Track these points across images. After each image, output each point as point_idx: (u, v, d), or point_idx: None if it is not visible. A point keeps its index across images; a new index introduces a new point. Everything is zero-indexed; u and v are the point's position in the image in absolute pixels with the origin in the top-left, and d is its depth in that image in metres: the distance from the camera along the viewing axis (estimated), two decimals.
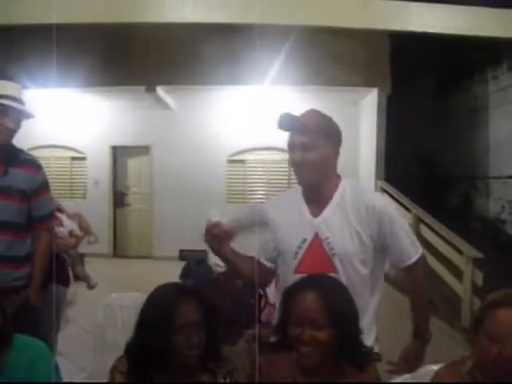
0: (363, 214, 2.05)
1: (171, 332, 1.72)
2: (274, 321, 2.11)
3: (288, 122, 2.02)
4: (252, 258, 2.17)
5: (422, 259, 2.18)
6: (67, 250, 3.41)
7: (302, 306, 1.73)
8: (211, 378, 1.83)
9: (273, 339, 1.94)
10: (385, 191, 7.88)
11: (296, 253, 2.07)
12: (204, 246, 2.07)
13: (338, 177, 2.15)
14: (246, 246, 2.18)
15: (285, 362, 1.83)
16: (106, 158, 10.20)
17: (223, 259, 2.07)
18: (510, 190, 8.65)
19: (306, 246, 2.06)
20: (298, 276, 1.98)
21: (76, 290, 6.53)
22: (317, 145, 2.00)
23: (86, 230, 4.88)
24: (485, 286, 5.45)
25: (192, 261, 4.15)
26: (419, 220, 7.17)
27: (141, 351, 1.77)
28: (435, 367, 1.92)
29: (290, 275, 2.06)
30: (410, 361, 2.04)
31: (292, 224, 2.10)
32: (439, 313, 6.13)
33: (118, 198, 10.40)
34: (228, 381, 1.84)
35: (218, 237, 1.95)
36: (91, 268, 7.92)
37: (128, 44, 7.83)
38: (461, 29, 4.63)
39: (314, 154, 1.99)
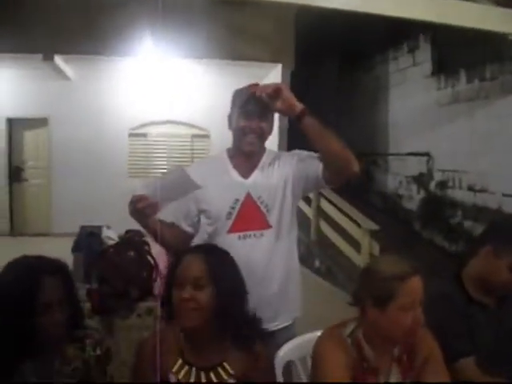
0: (289, 170, 2.19)
1: (34, 312, 1.60)
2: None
3: (252, 99, 2.09)
4: (174, 225, 2.19)
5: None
6: None
7: (185, 266, 1.76)
8: (79, 348, 1.76)
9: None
10: None
11: (229, 213, 2.13)
12: (106, 222, 2.02)
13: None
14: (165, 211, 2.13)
15: (172, 338, 1.82)
16: (1, 131, 9.62)
17: (147, 230, 2.05)
18: (407, 166, 9.03)
19: (239, 205, 2.14)
20: (233, 235, 2.11)
21: None
22: (269, 115, 2.16)
23: None
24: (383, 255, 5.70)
25: (83, 233, 4.01)
26: (319, 194, 7.36)
27: None
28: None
29: (223, 235, 2.13)
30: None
31: (222, 186, 2.17)
32: (339, 282, 6.37)
33: (15, 173, 9.86)
34: (98, 351, 1.78)
35: (143, 211, 1.93)
36: None
37: (24, 11, 7.39)
38: (360, 6, 4.73)
39: (267, 123, 2.16)
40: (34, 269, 1.68)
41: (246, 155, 2.18)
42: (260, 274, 2.09)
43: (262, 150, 2.24)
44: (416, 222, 8.73)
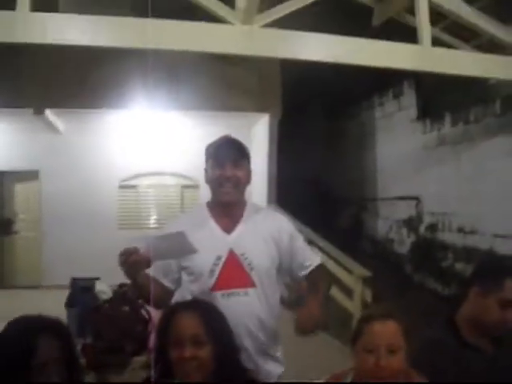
0: (274, 233, 2.18)
1: (28, 373, 1.59)
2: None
3: (224, 145, 2.16)
4: (154, 280, 2.08)
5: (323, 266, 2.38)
6: None
7: (181, 324, 1.74)
8: None
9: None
10: None
11: (212, 271, 2.08)
12: (96, 274, 2.00)
13: (244, 199, 2.27)
14: None
15: None
16: None
17: (135, 284, 2.00)
18: (397, 210, 9.09)
19: (221, 262, 2.09)
20: (216, 293, 2.05)
21: None
22: (244, 164, 2.18)
23: None
24: (374, 303, 5.68)
25: (77, 288, 3.99)
26: (310, 242, 7.32)
27: None
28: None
29: (205, 293, 2.06)
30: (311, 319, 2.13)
31: (203, 242, 2.06)
32: (331, 330, 6.31)
33: (5, 225, 9.81)
34: None
35: (135, 264, 1.89)
36: None
37: (15, 65, 7.51)
38: (342, 57, 4.87)
39: (242, 172, 2.15)
40: (30, 328, 1.68)
41: (225, 207, 2.17)
42: (243, 332, 2.04)
43: (242, 201, 2.23)
44: (407, 265, 8.74)
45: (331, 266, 6.78)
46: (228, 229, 2.15)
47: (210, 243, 2.10)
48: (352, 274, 6.16)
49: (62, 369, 1.65)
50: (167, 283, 2.15)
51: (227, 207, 2.17)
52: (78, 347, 2.48)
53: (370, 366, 1.68)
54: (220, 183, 2.12)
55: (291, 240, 2.21)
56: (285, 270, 2.23)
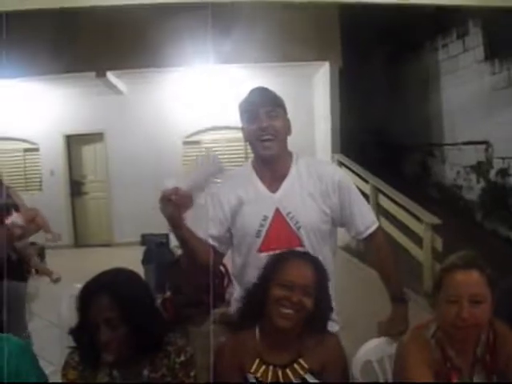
0: (322, 186, 2.08)
1: (86, 329, 1.70)
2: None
3: (257, 97, 2.07)
4: (205, 242, 2.09)
5: (380, 228, 2.22)
6: (12, 242, 3.31)
7: (297, 270, 1.80)
8: (165, 356, 1.80)
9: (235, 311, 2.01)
10: (342, 164, 7.94)
11: (259, 231, 2.04)
12: (166, 229, 2.01)
13: (290, 153, 2.17)
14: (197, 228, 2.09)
15: (249, 338, 1.87)
16: (59, 148, 9.98)
17: (178, 235, 1.96)
18: (465, 155, 8.81)
19: (268, 223, 2.04)
20: (263, 254, 2.01)
21: (38, 283, 6.43)
22: (279, 114, 2.06)
23: (42, 225, 4.72)
24: (444, 251, 5.57)
25: (152, 245, 4.10)
26: (377, 190, 7.25)
27: (77, 342, 1.78)
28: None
29: (252, 254, 2.06)
30: (396, 325, 2.06)
31: (249, 202, 2.08)
32: (402, 279, 6.24)
33: (75, 188, 10.21)
34: (183, 358, 1.81)
35: (176, 203, 1.82)
36: (53, 260, 7.80)
37: (75, 30, 7.62)
38: None
39: (279, 121, 2.04)
40: (83, 290, 1.76)
41: (268, 163, 2.08)
42: None
43: (286, 154, 2.13)
44: (477, 212, 8.50)
45: (399, 213, 6.69)
46: (273, 187, 2.08)
47: (256, 203, 2.07)
48: (421, 222, 6.03)
49: (116, 327, 1.69)
50: (216, 244, 2.11)
51: (270, 162, 2.08)
52: (158, 302, 2.55)
53: (452, 318, 1.65)
54: (257, 137, 2.03)
55: (344, 193, 2.09)
56: (340, 224, 2.16)
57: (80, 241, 10.17)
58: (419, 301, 5.09)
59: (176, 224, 1.90)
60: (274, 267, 1.84)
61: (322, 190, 2.07)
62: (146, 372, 1.78)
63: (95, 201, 10.25)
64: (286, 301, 1.75)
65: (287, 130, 2.10)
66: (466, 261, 1.69)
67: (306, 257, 1.87)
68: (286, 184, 2.08)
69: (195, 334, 2.38)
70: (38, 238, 7.89)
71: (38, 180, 10.16)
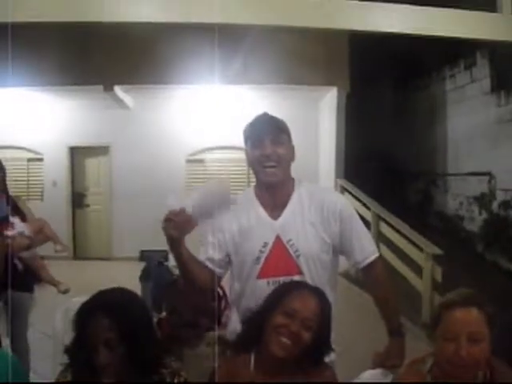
0: (324, 215, 2.06)
1: (82, 349, 1.69)
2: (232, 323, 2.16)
3: (262, 123, 2.06)
4: (204, 265, 2.08)
5: (381, 258, 2.20)
6: (18, 252, 3.30)
7: (299, 302, 1.79)
8: (159, 380, 1.78)
9: (231, 337, 1.99)
10: (345, 189, 7.94)
11: (258, 258, 2.03)
12: (164, 246, 1.99)
13: (292, 178, 2.15)
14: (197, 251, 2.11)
15: (244, 364, 1.85)
16: (63, 159, 9.99)
17: (177, 255, 1.95)
18: (468, 186, 8.81)
19: (268, 249, 2.03)
20: (262, 281, 2.01)
21: (35, 293, 6.38)
22: (284, 141, 2.05)
23: (50, 236, 4.71)
24: (444, 282, 5.54)
25: (152, 262, 4.08)
26: (379, 217, 7.23)
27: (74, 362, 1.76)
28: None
29: (251, 280, 2.04)
30: (392, 357, 2.02)
31: (250, 228, 2.06)
32: (400, 309, 6.19)
33: (77, 199, 10.20)
34: (176, 381, 1.79)
35: (180, 225, 1.81)
36: (51, 271, 7.76)
37: (85, 43, 7.67)
38: (419, 29, 4.65)
39: (283, 148, 2.03)
40: (83, 311, 1.74)
41: (270, 189, 2.07)
42: None
43: (288, 180, 2.11)
44: (479, 243, 8.48)
45: (400, 242, 6.66)
46: (275, 214, 2.06)
47: (257, 230, 2.05)
48: (422, 251, 6.00)
49: (114, 348, 1.67)
50: (215, 268, 2.09)
51: (272, 189, 2.07)
52: (154, 321, 2.53)
53: (449, 355, 1.62)
54: (261, 163, 2.02)
55: (345, 223, 2.08)
56: (340, 252, 2.14)
57: (79, 253, 10.11)
58: (417, 332, 5.05)
59: (175, 244, 1.89)
60: (279, 295, 1.83)
61: (324, 218, 2.06)
62: None
63: (96, 213, 10.23)
64: (285, 329, 1.74)
65: (291, 156, 2.10)
66: (465, 298, 1.67)
67: (313, 289, 1.86)
68: (287, 211, 2.07)
69: (189, 356, 2.35)
70: (42, 249, 7.94)
71: (40, 190, 10.15)
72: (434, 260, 5.79)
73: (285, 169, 2.06)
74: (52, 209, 9.50)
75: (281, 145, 2.03)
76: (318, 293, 1.85)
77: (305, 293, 1.82)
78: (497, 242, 7.96)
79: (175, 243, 1.89)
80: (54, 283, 5.60)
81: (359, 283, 6.34)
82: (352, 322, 5.30)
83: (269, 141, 2.00)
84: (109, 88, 8.09)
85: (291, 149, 2.10)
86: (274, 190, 2.07)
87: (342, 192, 7.70)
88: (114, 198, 9.94)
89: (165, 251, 4.66)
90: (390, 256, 6.78)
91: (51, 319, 2.73)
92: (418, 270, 6.18)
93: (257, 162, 2.04)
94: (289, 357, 1.76)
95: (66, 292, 5.72)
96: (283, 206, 2.07)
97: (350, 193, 7.80)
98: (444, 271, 5.66)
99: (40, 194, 10.15)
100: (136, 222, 9.26)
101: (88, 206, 10.25)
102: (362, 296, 5.85)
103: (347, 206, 2.17)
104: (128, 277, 5.77)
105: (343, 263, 2.27)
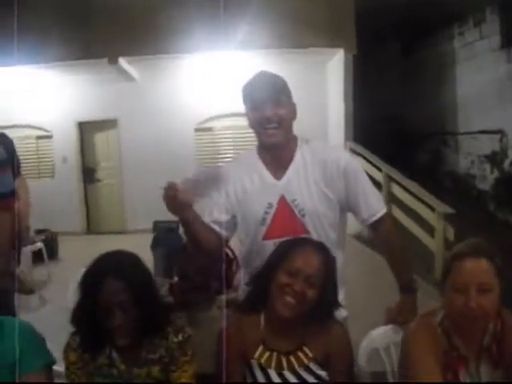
0: (327, 172, 2.04)
1: (96, 312, 1.70)
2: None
3: (260, 83, 2.01)
4: (210, 228, 2.08)
5: (389, 215, 2.19)
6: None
7: (303, 258, 1.77)
8: (163, 336, 1.82)
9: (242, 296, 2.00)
10: (354, 152, 7.88)
11: (263, 219, 2.02)
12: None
13: (295, 137, 2.12)
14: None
15: (254, 324, 1.86)
16: (72, 135, 9.98)
17: (182, 218, 1.93)
18: (479, 144, 8.72)
19: (273, 210, 2.02)
20: (268, 242, 2.00)
21: (50, 269, 6.48)
22: (284, 101, 1.99)
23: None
24: (456, 241, 5.52)
25: (162, 230, 4.10)
26: (390, 179, 7.20)
27: (81, 326, 1.79)
28: None
29: (257, 242, 2.04)
30: (404, 313, 2.03)
31: (254, 189, 2.05)
32: (412, 268, 6.20)
33: (88, 174, 10.22)
34: (180, 338, 1.83)
35: (182, 203, 1.81)
36: (65, 247, 7.85)
37: (87, 16, 7.62)
38: None
39: (284, 109, 1.98)
40: (90, 274, 1.76)
41: (272, 150, 2.04)
42: None
43: (291, 140, 2.08)
44: (490, 202, 8.43)
45: (412, 202, 6.64)
46: (278, 174, 2.04)
47: (261, 191, 2.04)
48: (433, 211, 5.98)
49: (127, 310, 1.70)
50: (219, 229, 2.08)
51: (275, 150, 2.04)
52: (166, 287, 2.55)
53: (459, 306, 1.62)
54: (261, 125, 1.99)
55: (349, 179, 2.05)
56: (348, 209, 2.12)
57: (92, 228, 10.21)
58: (429, 290, 5.06)
59: (179, 217, 1.92)
60: (282, 254, 1.82)
61: (327, 175, 2.03)
62: (144, 353, 1.81)
63: (108, 187, 10.26)
64: (289, 288, 1.74)
65: (292, 115, 2.05)
66: (475, 249, 1.65)
67: (316, 245, 1.84)
68: (290, 171, 2.04)
69: (201, 320, 2.38)
70: (51, 223, 8.00)
71: (51, 167, 10.18)
72: (445, 219, 5.77)
73: (286, 129, 2.02)
74: (63, 185, 9.62)
75: (281, 105, 1.98)
76: (320, 248, 1.83)
77: (307, 249, 1.80)
78: (509, 200, 7.91)
79: (179, 216, 1.91)
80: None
81: (372, 245, 6.37)
82: (365, 283, 5.34)
83: (269, 103, 1.96)
84: (113, 60, 8.02)
85: (292, 107, 2.05)
86: (277, 151, 2.05)
87: (351, 154, 7.65)
88: (124, 172, 9.94)
89: (177, 221, 4.69)
90: (402, 217, 6.77)
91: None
92: (430, 229, 6.17)
93: (257, 124, 2.01)
94: (295, 315, 1.76)
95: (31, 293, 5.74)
96: (286, 165, 2.05)
97: (361, 155, 7.75)
98: (456, 230, 5.64)
99: (51, 171, 10.18)
100: (148, 194, 9.21)
101: (99, 180, 10.27)
102: (375, 258, 5.90)
103: (351, 162, 2.13)
104: (142, 249, 5.80)
105: (356, 225, 2.26)
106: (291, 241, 1.87)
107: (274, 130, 1.98)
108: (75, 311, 1.79)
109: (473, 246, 1.67)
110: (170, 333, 1.83)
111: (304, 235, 1.96)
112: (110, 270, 1.72)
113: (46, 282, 6.17)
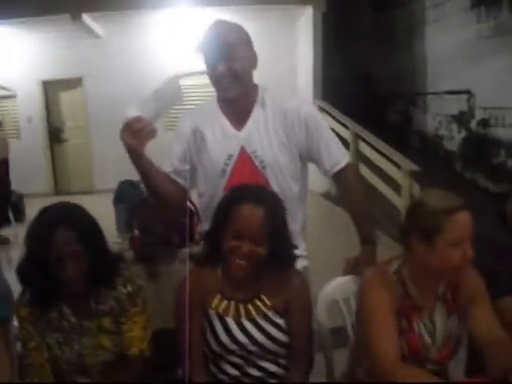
0: (288, 122, 2.01)
1: (46, 264, 1.68)
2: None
3: (213, 36, 1.93)
4: (167, 176, 2.06)
5: (352, 165, 2.18)
6: None
7: (243, 219, 1.71)
8: (111, 287, 1.83)
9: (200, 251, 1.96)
10: (323, 109, 7.85)
11: (223, 170, 2.00)
12: None
13: (255, 86, 2.07)
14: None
15: (211, 276, 1.86)
16: (37, 94, 9.77)
17: (139, 166, 1.89)
18: (447, 105, 8.76)
19: (232, 161, 2.00)
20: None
21: (17, 231, 6.40)
22: (239, 54, 1.92)
23: None
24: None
25: (123, 185, 4.07)
26: (357, 137, 7.23)
27: (27, 279, 1.77)
28: None
29: (217, 194, 1.99)
30: (363, 264, 2.02)
31: (215, 140, 2.02)
32: (380, 226, 6.30)
33: (55, 134, 10.05)
34: (130, 288, 1.84)
35: (139, 133, 1.75)
36: (32, 209, 7.72)
37: None
38: None
39: (239, 63, 1.91)
40: (41, 225, 1.72)
41: (231, 102, 1.99)
42: None
43: (251, 91, 2.03)
44: (457, 162, 8.52)
45: (379, 160, 6.70)
46: (238, 125, 2.01)
47: (221, 142, 2.01)
48: (400, 169, 6.04)
49: (79, 259, 1.70)
50: (179, 180, 2.07)
51: (233, 102, 1.99)
52: (127, 241, 2.54)
53: (458, 261, 1.61)
54: (217, 81, 1.94)
55: (310, 128, 2.01)
56: (310, 160, 2.10)
57: (60, 189, 10.09)
58: (396, 246, 5.15)
59: (135, 155, 1.85)
60: (224, 215, 1.76)
61: (288, 124, 2.00)
62: (93, 305, 1.81)
63: (75, 147, 10.10)
64: (238, 251, 1.72)
65: (251, 65, 1.99)
66: (461, 202, 1.64)
67: (254, 199, 1.74)
68: (250, 121, 2.01)
69: (163, 273, 2.37)
70: (17, 185, 7.86)
71: (16, 127, 9.94)
72: (411, 177, 5.82)
73: (243, 81, 1.95)
74: (29, 146, 9.44)
75: (236, 59, 1.91)
76: (259, 201, 1.73)
77: (245, 207, 1.72)
78: (475, 160, 8.01)
79: (135, 154, 1.84)
80: None
81: (339, 203, 6.43)
82: (331, 241, 5.41)
83: (220, 59, 1.90)
84: (76, 17, 7.78)
85: (250, 58, 1.98)
86: (236, 102, 2.00)
87: (320, 112, 7.63)
88: (92, 131, 9.78)
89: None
90: (369, 175, 6.83)
91: None
92: (397, 187, 6.23)
93: (212, 78, 1.96)
94: (248, 274, 1.77)
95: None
96: (247, 116, 2.02)
97: (328, 113, 7.73)
98: (422, 188, 5.70)
99: (16, 131, 9.94)
100: (116, 153, 9.08)
101: (66, 140, 10.11)
102: (343, 215, 5.96)
103: (312, 112, 2.10)
104: (111, 208, 5.79)
105: (324, 183, 2.25)
106: (229, 197, 1.81)
107: (228, 84, 1.92)
108: (22, 266, 1.76)
109: (457, 200, 1.64)
110: (119, 283, 1.83)
111: (246, 184, 1.87)
112: (60, 221, 1.69)
113: (13, 243, 6.13)
